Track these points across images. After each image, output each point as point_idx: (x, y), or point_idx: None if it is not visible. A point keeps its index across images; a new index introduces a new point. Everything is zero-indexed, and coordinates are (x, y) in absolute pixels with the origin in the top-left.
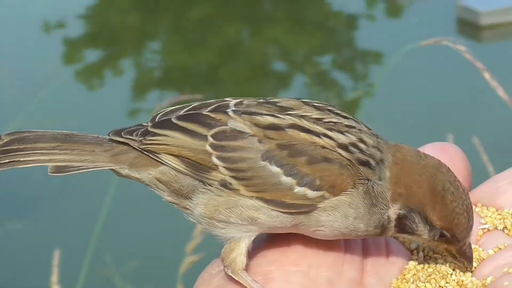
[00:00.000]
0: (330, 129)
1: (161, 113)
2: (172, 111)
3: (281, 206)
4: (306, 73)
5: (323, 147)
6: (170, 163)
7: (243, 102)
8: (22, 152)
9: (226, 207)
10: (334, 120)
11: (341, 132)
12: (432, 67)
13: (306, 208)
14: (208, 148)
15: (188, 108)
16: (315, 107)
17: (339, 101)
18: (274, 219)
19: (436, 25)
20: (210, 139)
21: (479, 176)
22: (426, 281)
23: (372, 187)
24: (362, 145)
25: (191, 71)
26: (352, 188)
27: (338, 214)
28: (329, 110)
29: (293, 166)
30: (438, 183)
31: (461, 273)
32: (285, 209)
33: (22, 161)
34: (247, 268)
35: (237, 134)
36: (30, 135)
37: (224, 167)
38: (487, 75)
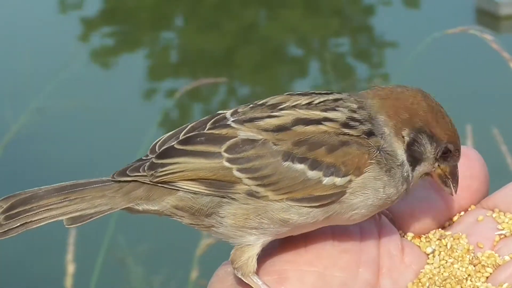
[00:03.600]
0: (326, 110)
1: (160, 142)
2: (169, 138)
3: (313, 200)
4: (322, 59)
5: (335, 134)
6: (189, 188)
7: (238, 111)
8: (31, 213)
9: (256, 214)
10: (322, 99)
11: (334, 109)
12: (453, 57)
13: (336, 196)
14: (226, 164)
15: (186, 130)
16: (300, 94)
17: (355, 89)
18: (305, 216)
19: (454, 14)
20: (225, 155)
21: (498, 167)
22: (441, 285)
23: (385, 152)
24: (355, 115)
25: (206, 54)
26: (371, 162)
27: (368, 191)
28: (312, 93)
29: (315, 159)
30: (432, 101)
31: (477, 278)
32: (317, 203)
33: (35, 221)
34: (261, 267)
35: (250, 142)
36: (31, 194)
37: (247, 177)
38: None
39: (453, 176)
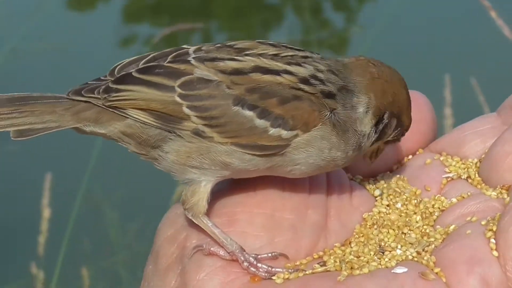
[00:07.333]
0: (289, 63)
1: (119, 67)
2: (130, 63)
3: (257, 149)
4: (298, 7)
5: (290, 87)
6: (138, 117)
7: (202, 48)
8: None
9: (198, 153)
10: (290, 53)
11: (299, 64)
12: (432, 5)
13: (281, 148)
14: (178, 99)
15: (147, 59)
16: (270, 44)
17: (333, 36)
18: (247, 163)
19: None
20: (178, 90)
21: (475, 117)
22: (389, 227)
23: (339, 115)
24: (320, 74)
25: (183, 1)
26: (321, 122)
27: (311, 149)
28: (284, 46)
29: (265, 108)
30: (407, 91)
31: (424, 220)
32: (260, 152)
33: None
34: (211, 209)
35: (205, 82)
36: None
37: (196, 116)
38: (493, 14)
39: (381, 152)
